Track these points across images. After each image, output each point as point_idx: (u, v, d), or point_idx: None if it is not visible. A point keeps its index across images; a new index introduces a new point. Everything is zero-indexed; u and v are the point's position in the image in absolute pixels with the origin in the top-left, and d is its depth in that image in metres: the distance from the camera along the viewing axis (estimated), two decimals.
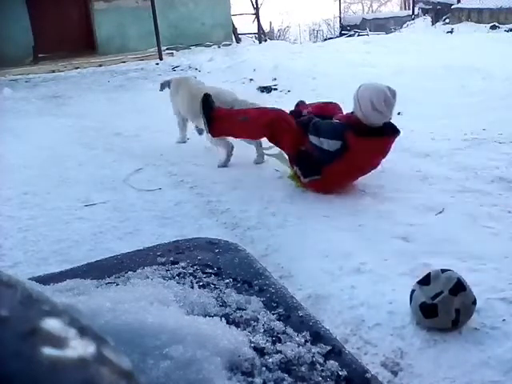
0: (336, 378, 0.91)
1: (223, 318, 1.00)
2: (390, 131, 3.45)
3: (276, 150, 3.89)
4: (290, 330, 1.02)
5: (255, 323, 1.04)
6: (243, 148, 4.59)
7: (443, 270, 2.11)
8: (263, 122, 3.68)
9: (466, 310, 2.03)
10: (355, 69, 7.39)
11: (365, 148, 3.35)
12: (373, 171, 3.55)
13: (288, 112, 3.90)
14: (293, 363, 0.93)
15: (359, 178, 3.58)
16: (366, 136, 3.35)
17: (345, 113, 3.85)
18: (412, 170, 3.84)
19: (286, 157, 3.77)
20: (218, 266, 1.28)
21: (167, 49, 11.08)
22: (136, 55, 10.90)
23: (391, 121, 3.50)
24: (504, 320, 2.07)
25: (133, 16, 11.55)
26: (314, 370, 0.92)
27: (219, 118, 3.83)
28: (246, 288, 1.18)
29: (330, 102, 4.10)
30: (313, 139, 3.49)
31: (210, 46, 11.76)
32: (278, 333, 1.01)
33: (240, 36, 13.47)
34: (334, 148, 3.38)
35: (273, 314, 1.07)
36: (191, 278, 1.21)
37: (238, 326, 1.01)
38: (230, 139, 4.14)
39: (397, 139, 3.52)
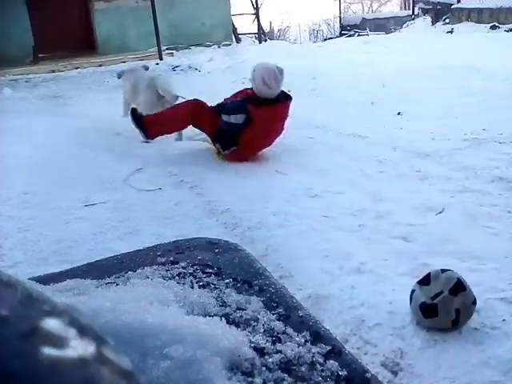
0: (336, 378, 0.91)
1: (223, 318, 1.00)
2: (283, 98, 4.27)
3: (200, 136, 4.62)
4: (290, 330, 1.01)
5: (255, 323, 1.04)
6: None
7: (443, 270, 2.11)
8: (186, 113, 4.37)
9: (466, 310, 2.03)
10: (355, 69, 7.40)
11: (264, 115, 4.13)
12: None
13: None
14: (293, 363, 0.93)
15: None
16: (263, 106, 4.14)
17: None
18: (412, 170, 3.84)
19: (208, 138, 4.49)
20: (218, 266, 1.28)
21: (167, 49, 11.08)
22: (136, 55, 10.90)
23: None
24: (504, 320, 2.07)
25: (133, 16, 11.55)
26: (314, 370, 0.92)
27: (149, 122, 4.44)
28: (246, 288, 1.18)
29: (246, 88, 4.67)
30: (224, 117, 4.26)
31: (210, 46, 11.76)
32: (278, 333, 1.01)
33: (240, 36, 13.47)
34: (240, 121, 4.17)
35: (273, 314, 1.07)
36: (191, 277, 1.21)
37: (238, 326, 1.00)
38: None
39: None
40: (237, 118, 4.17)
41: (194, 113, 4.34)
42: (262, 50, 10.61)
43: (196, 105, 4.41)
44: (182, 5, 12.05)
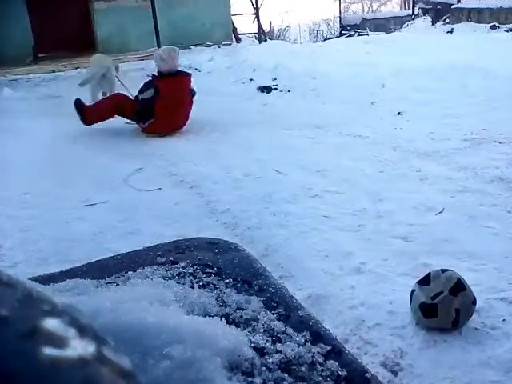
0: (336, 378, 0.90)
1: (223, 318, 1.00)
2: (183, 74, 5.47)
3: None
4: (289, 330, 1.01)
5: (255, 323, 1.03)
6: (245, 149, 4.60)
7: (443, 270, 2.11)
8: (111, 105, 5.44)
9: (465, 310, 2.03)
10: (355, 69, 7.39)
11: (168, 85, 5.14)
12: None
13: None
14: (293, 363, 0.93)
15: None
16: (166, 78, 5.19)
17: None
18: (412, 170, 3.84)
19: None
20: (218, 266, 1.28)
21: None
22: (136, 55, 10.91)
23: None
24: (504, 320, 2.07)
25: (133, 16, 11.56)
26: (314, 370, 0.91)
27: (87, 111, 5.42)
28: (246, 288, 1.18)
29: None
30: (140, 96, 5.37)
31: (210, 45, 11.77)
32: (278, 333, 1.01)
33: (240, 36, 13.48)
34: (150, 94, 5.20)
35: (273, 314, 1.07)
36: (191, 277, 1.21)
37: (238, 325, 1.00)
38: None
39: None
40: (148, 93, 5.23)
41: (117, 105, 5.43)
42: (261, 49, 10.61)
43: (118, 99, 5.54)
44: (182, 5, 12.06)
